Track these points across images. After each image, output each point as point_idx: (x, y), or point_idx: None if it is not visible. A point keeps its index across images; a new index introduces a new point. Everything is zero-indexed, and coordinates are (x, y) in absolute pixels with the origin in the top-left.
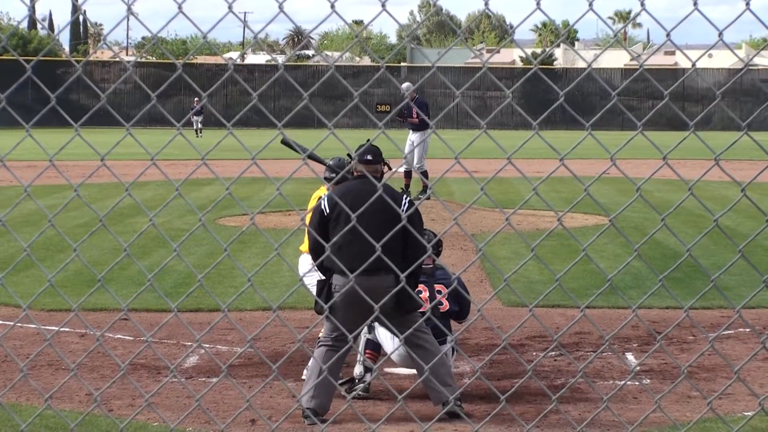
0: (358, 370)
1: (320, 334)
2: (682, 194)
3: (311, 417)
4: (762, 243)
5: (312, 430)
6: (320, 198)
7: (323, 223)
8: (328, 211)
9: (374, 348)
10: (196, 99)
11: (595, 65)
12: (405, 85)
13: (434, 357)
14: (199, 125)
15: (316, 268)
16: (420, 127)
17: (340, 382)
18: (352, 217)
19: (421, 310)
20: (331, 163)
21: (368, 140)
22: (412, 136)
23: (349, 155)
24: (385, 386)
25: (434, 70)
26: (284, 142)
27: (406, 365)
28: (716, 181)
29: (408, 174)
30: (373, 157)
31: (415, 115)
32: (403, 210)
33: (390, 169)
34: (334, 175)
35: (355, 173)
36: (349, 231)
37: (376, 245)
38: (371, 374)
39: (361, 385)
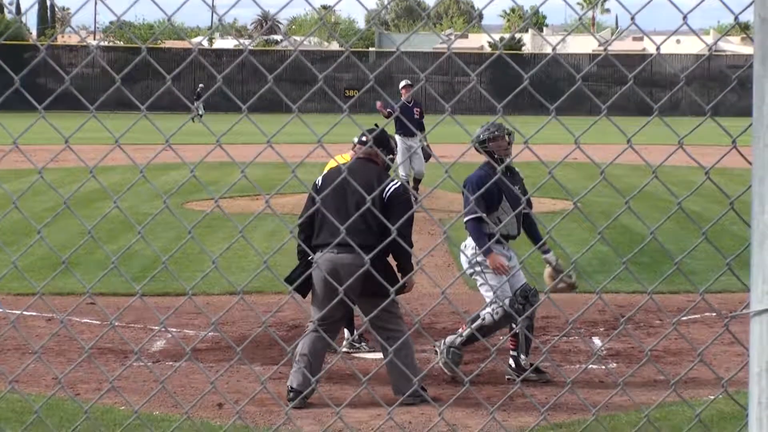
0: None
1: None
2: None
3: (299, 398)
4: (729, 228)
5: (287, 413)
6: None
7: (312, 198)
8: (319, 184)
9: None
10: (201, 85)
11: (564, 51)
12: (404, 81)
13: (402, 346)
14: (202, 111)
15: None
16: (415, 130)
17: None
18: (317, 199)
19: None
20: (356, 140)
21: (375, 125)
22: (410, 141)
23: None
24: (351, 370)
25: (398, 54)
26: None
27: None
28: (684, 166)
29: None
30: (367, 140)
31: (417, 114)
32: (386, 195)
33: (394, 155)
34: (364, 139)
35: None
36: (330, 207)
37: (340, 227)
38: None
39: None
